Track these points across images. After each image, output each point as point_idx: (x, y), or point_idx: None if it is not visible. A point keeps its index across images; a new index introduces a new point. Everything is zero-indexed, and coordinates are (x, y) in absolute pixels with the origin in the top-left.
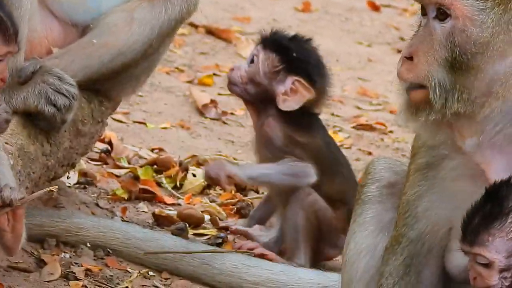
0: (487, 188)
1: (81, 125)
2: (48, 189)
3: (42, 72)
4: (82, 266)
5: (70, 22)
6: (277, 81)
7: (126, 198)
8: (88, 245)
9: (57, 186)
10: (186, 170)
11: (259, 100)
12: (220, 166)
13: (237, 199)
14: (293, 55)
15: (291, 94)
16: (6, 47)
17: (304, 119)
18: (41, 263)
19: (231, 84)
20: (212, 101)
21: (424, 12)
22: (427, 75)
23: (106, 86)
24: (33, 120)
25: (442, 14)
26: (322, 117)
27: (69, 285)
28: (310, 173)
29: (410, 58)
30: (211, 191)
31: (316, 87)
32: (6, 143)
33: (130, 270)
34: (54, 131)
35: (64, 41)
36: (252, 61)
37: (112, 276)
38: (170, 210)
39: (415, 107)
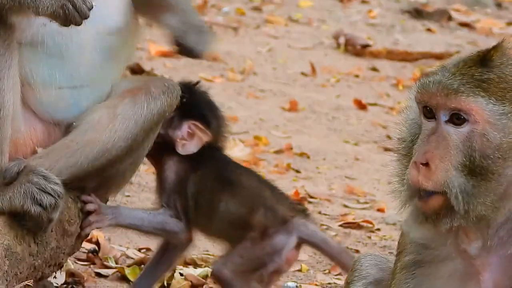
0: None
1: (68, 225)
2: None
3: (27, 172)
4: None
5: (53, 121)
6: (173, 128)
7: None
8: None
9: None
10: (173, 269)
11: (159, 151)
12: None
13: None
14: (184, 100)
15: (189, 138)
16: None
17: (203, 157)
18: None
19: None
20: None
21: (429, 115)
22: (447, 181)
23: (92, 184)
24: (19, 220)
25: (458, 119)
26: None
27: None
28: (179, 232)
29: (425, 164)
30: None
31: (211, 128)
32: None
33: None
34: (41, 231)
35: (48, 141)
36: None
37: None
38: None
39: (433, 214)
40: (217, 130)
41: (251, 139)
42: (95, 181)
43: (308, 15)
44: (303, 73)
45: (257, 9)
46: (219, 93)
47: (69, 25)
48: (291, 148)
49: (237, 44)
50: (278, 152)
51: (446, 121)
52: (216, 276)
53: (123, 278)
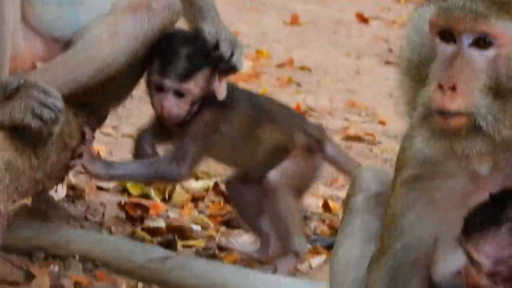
0: (492, 194)
1: (69, 139)
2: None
3: (27, 87)
4: (71, 278)
5: (52, 37)
6: (206, 80)
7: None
8: (77, 258)
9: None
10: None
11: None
12: (88, 165)
13: (226, 211)
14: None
15: (220, 83)
16: None
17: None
18: (29, 277)
19: (173, 119)
20: None
21: (447, 39)
22: (474, 103)
23: (92, 99)
24: (20, 134)
25: (483, 43)
26: None
27: None
28: (177, 176)
29: (452, 87)
30: (200, 203)
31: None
32: None
33: (119, 282)
34: (41, 145)
35: (48, 57)
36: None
37: None
38: (158, 222)
39: (453, 133)
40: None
41: (253, 53)
42: (95, 96)
43: None
44: None
45: None
46: (221, 8)
47: None
48: (293, 62)
49: None
50: (280, 66)
51: (470, 45)
52: (271, 186)
53: (124, 191)
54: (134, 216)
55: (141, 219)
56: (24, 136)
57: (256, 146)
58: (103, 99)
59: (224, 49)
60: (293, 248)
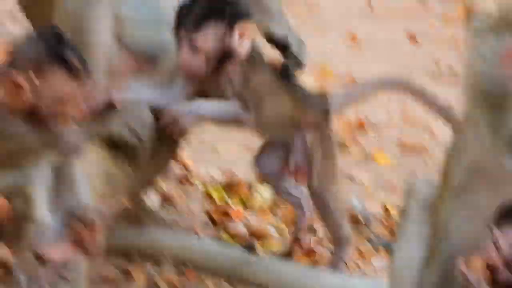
0: None
1: (161, 152)
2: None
3: (124, 106)
4: (164, 279)
5: (142, 55)
6: (228, 37)
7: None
8: (169, 259)
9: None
10: (253, 189)
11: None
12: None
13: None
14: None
15: (241, 39)
16: (75, 82)
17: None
18: (128, 276)
19: (190, 75)
20: None
21: None
22: None
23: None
24: (117, 147)
25: None
26: (368, 140)
27: None
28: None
29: None
30: (277, 209)
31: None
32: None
33: (207, 282)
34: (136, 157)
35: (139, 73)
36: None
37: None
38: (239, 226)
39: None
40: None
41: (317, 69)
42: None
43: None
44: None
45: None
46: None
47: None
48: (354, 79)
49: None
50: (341, 81)
51: None
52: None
53: (209, 198)
54: (217, 221)
55: (224, 224)
56: (121, 149)
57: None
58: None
59: (296, 50)
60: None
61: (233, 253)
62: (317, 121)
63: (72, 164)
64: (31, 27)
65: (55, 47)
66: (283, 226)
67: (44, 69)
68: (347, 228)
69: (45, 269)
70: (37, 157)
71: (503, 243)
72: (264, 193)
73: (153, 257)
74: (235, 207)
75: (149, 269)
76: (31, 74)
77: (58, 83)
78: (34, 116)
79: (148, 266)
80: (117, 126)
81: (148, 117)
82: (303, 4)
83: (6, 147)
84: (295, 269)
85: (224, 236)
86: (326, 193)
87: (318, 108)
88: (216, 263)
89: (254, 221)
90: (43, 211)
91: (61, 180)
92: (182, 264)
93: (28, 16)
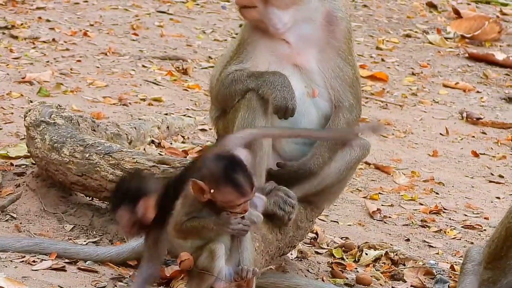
0: None
1: (300, 223)
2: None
3: (276, 190)
4: None
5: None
6: None
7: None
8: None
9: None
10: (361, 250)
11: None
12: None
13: (392, 269)
14: None
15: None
16: (252, 192)
17: None
18: None
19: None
20: (378, 209)
21: None
22: None
23: (315, 199)
24: (271, 219)
25: None
26: (442, 220)
27: None
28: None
29: None
30: (377, 264)
31: None
32: (255, 233)
33: None
34: (284, 226)
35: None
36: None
37: None
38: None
39: None
40: None
41: (409, 173)
42: (317, 198)
43: (444, 99)
44: (441, 134)
45: (414, 94)
46: (390, 145)
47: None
48: (433, 179)
49: (402, 116)
50: (426, 181)
51: None
52: None
53: (331, 255)
54: (336, 271)
55: (339, 274)
56: (274, 221)
57: None
58: (322, 199)
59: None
60: None
61: None
62: None
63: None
64: (217, 137)
65: (230, 171)
66: (380, 275)
67: (220, 184)
68: None
69: None
70: (210, 233)
71: None
72: (370, 253)
73: None
74: (349, 261)
75: None
76: (210, 184)
77: (228, 196)
78: (214, 206)
79: None
80: (272, 204)
81: (295, 199)
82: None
83: (198, 224)
84: None
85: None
86: None
87: None
88: None
89: (361, 271)
90: (221, 263)
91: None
92: None
93: (216, 129)
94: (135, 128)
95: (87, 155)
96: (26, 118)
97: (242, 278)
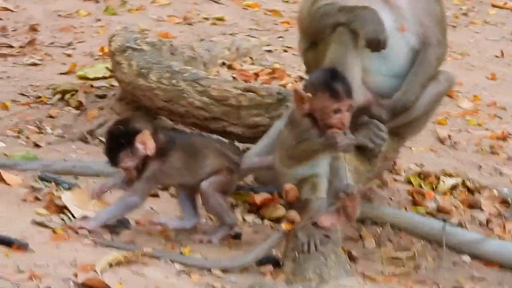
0: None
1: (387, 154)
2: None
3: (368, 123)
4: (385, 237)
5: (379, 95)
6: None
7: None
8: (389, 225)
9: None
10: (438, 178)
11: None
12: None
13: (469, 198)
14: None
15: (144, 145)
16: (348, 101)
17: None
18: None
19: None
20: (449, 136)
21: None
22: None
23: (402, 131)
24: (362, 150)
25: None
26: (509, 147)
27: (382, 252)
28: (134, 202)
29: None
30: (454, 191)
31: None
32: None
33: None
34: (373, 158)
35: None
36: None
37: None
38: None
39: None
40: None
41: (471, 97)
42: (404, 129)
43: (494, 20)
44: (496, 56)
45: (465, 14)
46: (449, 67)
47: (376, 51)
48: (495, 103)
49: (456, 37)
50: (488, 105)
51: None
52: (202, 190)
53: (409, 183)
54: (417, 199)
55: (421, 202)
56: (364, 152)
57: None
58: (408, 131)
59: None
60: (225, 222)
61: (432, 223)
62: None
63: (340, 159)
64: (306, 68)
65: (327, 79)
66: (459, 204)
67: (316, 88)
68: (229, 216)
69: (318, 231)
70: (319, 154)
71: None
72: (447, 180)
73: (378, 223)
74: (427, 189)
75: (375, 231)
76: (308, 91)
77: (324, 101)
78: (314, 121)
79: (376, 229)
80: (363, 137)
81: (385, 133)
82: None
83: (306, 147)
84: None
85: (420, 209)
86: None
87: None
88: (419, 229)
89: (440, 200)
90: (323, 194)
91: (332, 170)
92: (398, 228)
93: (305, 60)
94: (208, 50)
95: (174, 81)
96: (111, 43)
97: (348, 195)
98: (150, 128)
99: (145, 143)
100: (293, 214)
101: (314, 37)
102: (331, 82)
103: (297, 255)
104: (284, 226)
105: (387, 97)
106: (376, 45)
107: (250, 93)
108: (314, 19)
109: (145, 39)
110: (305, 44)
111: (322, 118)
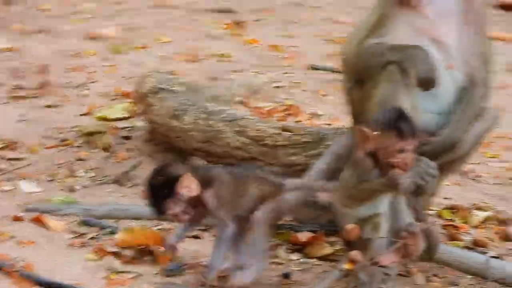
0: None
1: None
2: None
3: (419, 161)
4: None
5: (426, 132)
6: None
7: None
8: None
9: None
10: (468, 211)
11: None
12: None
13: (502, 230)
14: None
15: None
16: (413, 141)
17: None
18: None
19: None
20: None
21: None
22: None
23: (447, 167)
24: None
25: None
26: None
27: None
28: (229, 231)
29: None
30: (485, 225)
31: None
32: None
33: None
34: (424, 194)
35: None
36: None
37: None
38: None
39: None
40: None
41: None
42: (451, 166)
43: None
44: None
45: None
46: None
47: (427, 90)
48: (507, 135)
49: None
50: (501, 137)
51: None
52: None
53: (439, 216)
54: (453, 234)
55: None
56: (415, 190)
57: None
58: (453, 167)
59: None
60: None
61: (475, 257)
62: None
63: (400, 197)
64: (351, 108)
65: (394, 117)
66: (494, 237)
67: (381, 127)
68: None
69: (378, 271)
70: (380, 194)
71: None
72: (479, 214)
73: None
74: (459, 223)
75: (422, 266)
76: (376, 131)
77: (388, 139)
78: (376, 161)
79: (422, 264)
80: (416, 175)
81: (435, 169)
82: None
83: (368, 187)
84: None
85: (455, 244)
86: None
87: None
88: (464, 264)
89: (475, 234)
90: (383, 233)
91: (392, 209)
92: (442, 263)
93: (350, 99)
94: (225, 88)
95: (211, 122)
96: (142, 85)
97: (410, 233)
98: (188, 169)
99: (189, 186)
100: (356, 253)
101: (361, 76)
102: (398, 121)
103: None
104: (345, 265)
105: (434, 135)
106: (428, 84)
107: (288, 132)
108: (363, 58)
109: (178, 80)
110: (349, 83)
111: (385, 157)
